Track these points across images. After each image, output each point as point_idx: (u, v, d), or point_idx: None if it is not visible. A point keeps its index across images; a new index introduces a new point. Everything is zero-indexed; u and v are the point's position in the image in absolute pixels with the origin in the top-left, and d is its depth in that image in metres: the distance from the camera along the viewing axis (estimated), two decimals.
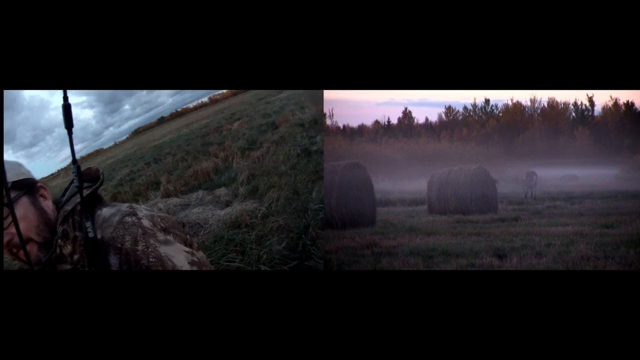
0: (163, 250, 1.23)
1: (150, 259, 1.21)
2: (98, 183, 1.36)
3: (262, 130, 9.49)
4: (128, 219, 1.26)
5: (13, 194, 1.24)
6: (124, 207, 1.31)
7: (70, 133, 1.20)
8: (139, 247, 1.22)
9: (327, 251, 4.46)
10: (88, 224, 1.22)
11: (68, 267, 1.27)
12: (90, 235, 1.22)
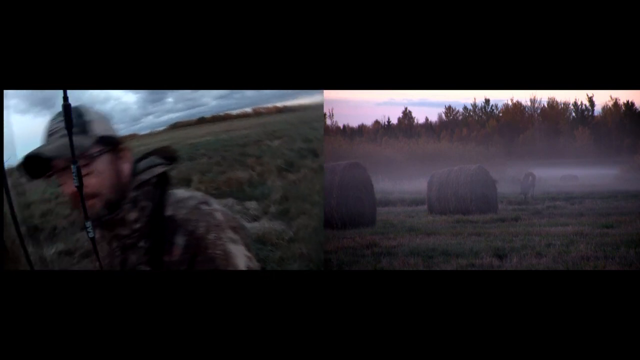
0: (230, 247, 1.26)
1: (217, 251, 1.24)
2: (174, 163, 1.39)
3: (302, 154, 9.40)
4: (204, 207, 1.29)
5: (97, 148, 1.25)
6: (199, 194, 1.35)
7: (70, 133, 1.20)
8: (210, 237, 1.24)
9: (327, 251, 4.47)
10: (88, 223, 1.22)
11: (126, 232, 1.28)
12: (90, 235, 1.22)
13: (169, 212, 1.28)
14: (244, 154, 10.18)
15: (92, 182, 1.24)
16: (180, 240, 1.25)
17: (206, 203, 1.30)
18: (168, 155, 1.41)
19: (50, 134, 1.25)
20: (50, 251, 4.56)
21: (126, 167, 1.31)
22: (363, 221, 6.40)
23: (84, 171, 1.22)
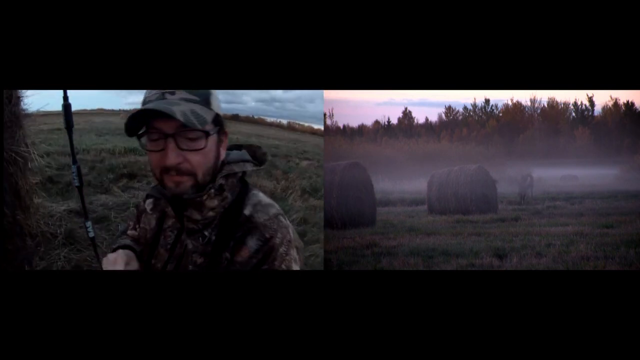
0: (293, 266, 1.23)
1: (282, 266, 1.21)
2: (261, 165, 1.35)
3: None
4: (283, 219, 1.25)
5: (211, 126, 1.19)
6: (277, 205, 1.31)
7: (70, 133, 1.19)
8: (282, 250, 1.21)
9: (327, 251, 4.46)
10: (88, 223, 1.22)
11: (197, 217, 1.22)
12: (91, 235, 1.22)
13: (247, 211, 1.23)
14: (271, 165, 10.07)
15: (195, 160, 1.17)
16: (252, 243, 1.20)
17: (283, 216, 1.26)
18: (258, 156, 1.36)
19: (168, 92, 1.16)
20: (60, 208, 4.29)
21: (223, 153, 1.26)
22: (363, 221, 6.40)
23: (195, 145, 1.15)
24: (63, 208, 4.31)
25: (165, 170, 1.15)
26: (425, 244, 4.64)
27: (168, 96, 1.14)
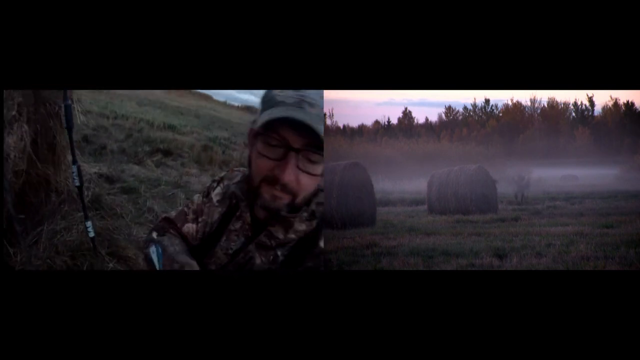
0: None
1: None
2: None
3: None
4: None
5: (320, 152, 1.12)
6: None
7: (70, 133, 1.19)
8: None
9: (327, 251, 4.46)
10: (88, 223, 1.22)
11: (280, 236, 1.18)
12: (91, 235, 1.22)
13: (323, 244, 1.20)
14: None
15: (305, 182, 1.12)
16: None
17: None
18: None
19: (307, 102, 1.07)
20: (91, 170, 4.12)
21: (321, 182, 1.21)
22: (363, 221, 6.39)
23: (313, 169, 1.09)
24: (94, 170, 4.13)
25: (271, 181, 1.09)
26: (425, 244, 4.63)
27: (309, 108, 1.07)
